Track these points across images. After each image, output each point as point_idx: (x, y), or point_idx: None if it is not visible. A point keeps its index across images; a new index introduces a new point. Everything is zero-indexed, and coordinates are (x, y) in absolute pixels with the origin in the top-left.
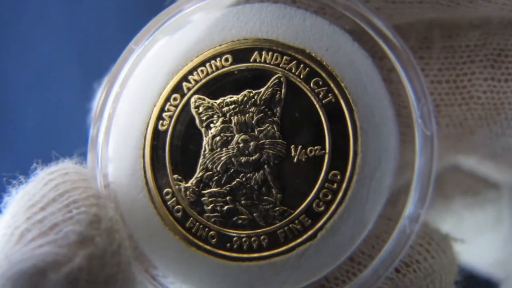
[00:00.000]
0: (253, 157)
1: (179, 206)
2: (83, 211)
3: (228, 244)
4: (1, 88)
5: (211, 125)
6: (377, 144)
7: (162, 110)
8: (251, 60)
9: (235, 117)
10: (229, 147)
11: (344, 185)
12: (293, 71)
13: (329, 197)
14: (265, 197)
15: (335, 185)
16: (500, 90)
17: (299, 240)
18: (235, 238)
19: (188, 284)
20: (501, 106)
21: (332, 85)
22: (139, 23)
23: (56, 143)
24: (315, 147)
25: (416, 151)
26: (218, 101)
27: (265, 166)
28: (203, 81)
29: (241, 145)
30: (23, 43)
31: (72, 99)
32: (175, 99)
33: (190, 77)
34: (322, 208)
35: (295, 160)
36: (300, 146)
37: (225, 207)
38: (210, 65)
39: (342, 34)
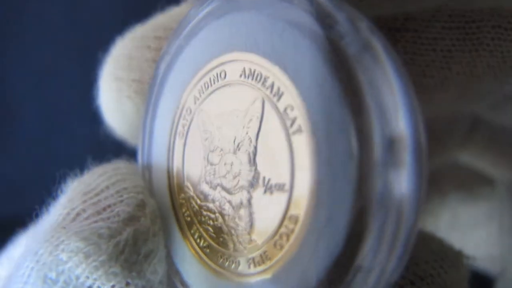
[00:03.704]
0: (234, 181)
1: (188, 212)
2: (132, 196)
3: (215, 258)
4: (1, 88)
5: (207, 140)
6: (333, 195)
7: (180, 118)
8: (239, 76)
9: (224, 137)
10: (218, 165)
11: (296, 232)
12: (269, 93)
13: (284, 239)
14: (241, 222)
15: (291, 228)
16: (507, 38)
17: (257, 270)
18: (220, 254)
19: (191, 285)
20: (507, 54)
21: (299, 114)
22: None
23: (56, 142)
24: (280, 182)
25: (373, 210)
26: (213, 117)
27: (241, 192)
28: (206, 93)
29: (226, 167)
30: (23, 43)
31: (72, 99)
32: (188, 109)
33: (197, 88)
34: (278, 248)
35: (262, 192)
36: (268, 178)
37: (214, 223)
38: (210, 78)
39: (313, 53)
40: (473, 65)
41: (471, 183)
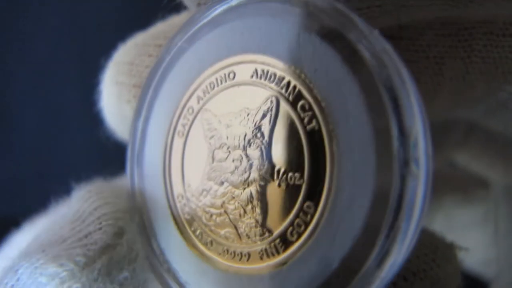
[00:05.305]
0: (243, 176)
1: (187, 209)
2: (111, 224)
3: (220, 252)
4: (1, 89)
5: (213, 138)
6: (352, 182)
7: (180, 118)
8: (250, 77)
9: (232, 134)
10: (225, 162)
11: (315, 219)
12: (283, 91)
13: (302, 227)
14: (250, 215)
15: (308, 217)
16: (499, 44)
17: (272, 262)
18: (225, 248)
19: (188, 284)
20: (499, 61)
21: (316, 111)
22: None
23: (56, 143)
24: (295, 174)
25: (390, 197)
26: (220, 116)
27: (252, 186)
28: (211, 93)
29: (235, 162)
30: (23, 43)
31: (72, 99)
32: (190, 108)
33: (202, 88)
34: (295, 237)
35: (277, 184)
36: (282, 171)
37: (218, 218)
38: (217, 79)
39: (332, 54)
40: (465, 71)
41: (466, 186)
